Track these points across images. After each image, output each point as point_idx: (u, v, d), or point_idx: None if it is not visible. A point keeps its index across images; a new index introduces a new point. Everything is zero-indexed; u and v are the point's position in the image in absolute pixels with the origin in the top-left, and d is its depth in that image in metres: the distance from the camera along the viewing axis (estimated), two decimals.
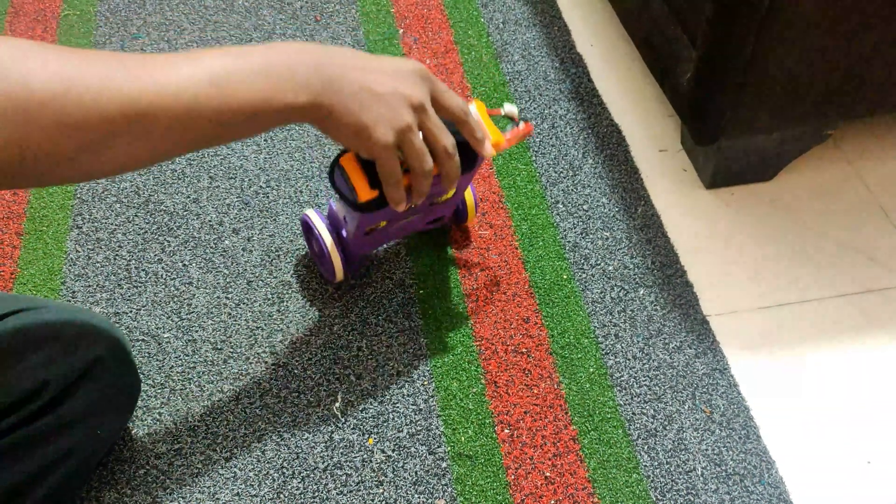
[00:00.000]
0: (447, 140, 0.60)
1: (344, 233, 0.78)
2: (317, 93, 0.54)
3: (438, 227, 0.87)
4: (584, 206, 0.91)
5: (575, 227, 0.89)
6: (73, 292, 0.82)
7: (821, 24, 0.76)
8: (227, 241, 0.87)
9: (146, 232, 0.87)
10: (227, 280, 0.83)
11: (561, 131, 0.99)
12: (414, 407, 0.75)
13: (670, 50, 0.90)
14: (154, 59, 0.49)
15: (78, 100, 0.44)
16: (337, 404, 0.75)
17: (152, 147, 0.49)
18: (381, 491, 0.70)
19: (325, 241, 0.78)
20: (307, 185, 0.92)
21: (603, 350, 0.79)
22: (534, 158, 0.96)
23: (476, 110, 0.68)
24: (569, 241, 0.88)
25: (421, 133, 0.59)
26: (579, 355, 0.78)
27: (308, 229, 0.81)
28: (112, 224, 0.88)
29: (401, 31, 1.11)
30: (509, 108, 0.70)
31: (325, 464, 0.71)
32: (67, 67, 0.45)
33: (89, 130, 0.45)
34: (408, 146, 0.59)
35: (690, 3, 0.85)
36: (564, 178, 0.94)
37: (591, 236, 0.88)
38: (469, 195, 0.83)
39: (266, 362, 0.77)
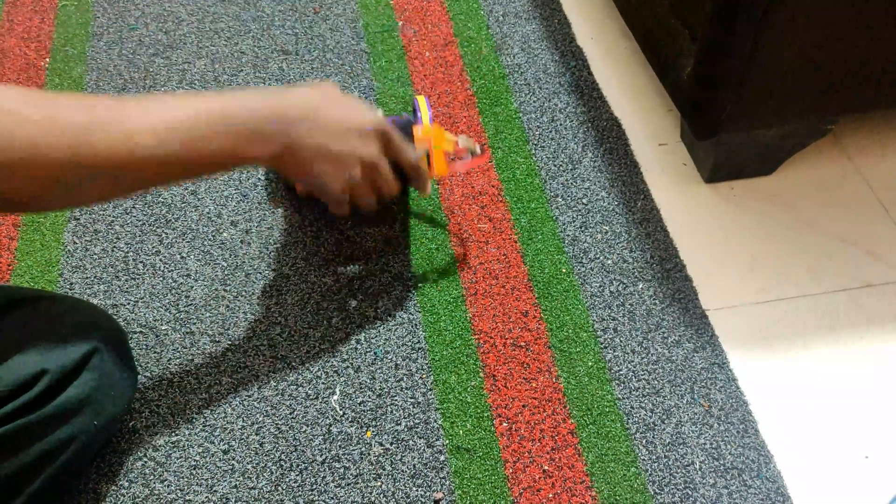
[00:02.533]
0: (392, 190, 0.70)
1: None
2: (277, 148, 0.61)
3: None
4: (584, 200, 0.91)
5: (574, 221, 0.89)
6: (71, 284, 0.82)
7: (820, 19, 0.76)
8: (225, 234, 0.86)
9: (144, 224, 0.87)
10: (226, 272, 0.83)
11: (560, 125, 0.99)
12: (412, 400, 0.75)
13: (671, 44, 0.90)
14: (126, 107, 0.54)
15: (57, 153, 0.51)
16: (335, 397, 0.75)
17: (123, 188, 0.57)
18: (380, 484, 0.70)
19: None
20: None
21: (601, 344, 0.79)
22: (533, 152, 0.96)
23: (433, 130, 0.76)
24: (568, 235, 0.88)
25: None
26: (578, 349, 0.78)
27: None
28: (110, 216, 0.87)
29: (400, 23, 1.11)
30: (464, 143, 0.77)
31: (324, 456, 0.71)
32: (48, 122, 0.50)
33: (65, 177, 0.52)
34: (355, 194, 0.69)
35: None
36: (564, 171, 0.94)
37: (590, 230, 0.88)
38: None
39: (264, 355, 0.77)
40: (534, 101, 1.01)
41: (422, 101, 0.87)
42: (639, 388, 0.76)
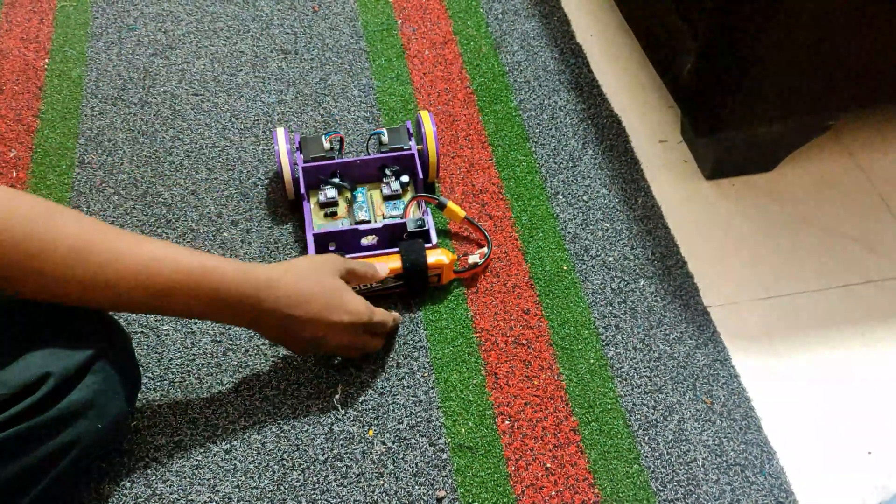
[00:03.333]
0: (376, 347, 0.75)
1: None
2: (246, 324, 0.67)
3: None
4: (584, 197, 0.91)
5: (575, 218, 0.89)
6: None
7: (821, 16, 0.76)
8: (225, 233, 0.86)
9: (144, 224, 0.87)
10: None
11: (560, 122, 0.99)
12: (414, 398, 0.74)
13: (671, 40, 0.90)
14: (120, 248, 0.60)
15: (50, 268, 0.57)
16: (337, 396, 0.75)
17: (99, 304, 0.62)
18: (382, 482, 0.69)
19: (280, 153, 0.84)
20: None
21: (603, 341, 0.79)
22: (533, 149, 0.95)
23: (447, 255, 0.80)
24: (569, 233, 0.87)
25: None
26: (580, 346, 0.78)
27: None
28: (110, 216, 0.87)
29: (399, 21, 1.11)
30: (474, 260, 0.83)
31: (326, 455, 0.71)
32: (50, 239, 0.57)
33: (50, 287, 0.58)
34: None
35: None
36: (564, 168, 0.94)
37: (591, 227, 0.88)
38: (433, 151, 0.87)
39: (265, 354, 0.77)
40: (534, 99, 1.01)
41: (425, 117, 0.87)
42: (641, 385, 0.76)
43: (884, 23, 0.78)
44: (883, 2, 0.76)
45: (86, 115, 0.98)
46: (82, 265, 0.58)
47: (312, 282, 0.68)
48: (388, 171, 0.87)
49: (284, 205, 0.89)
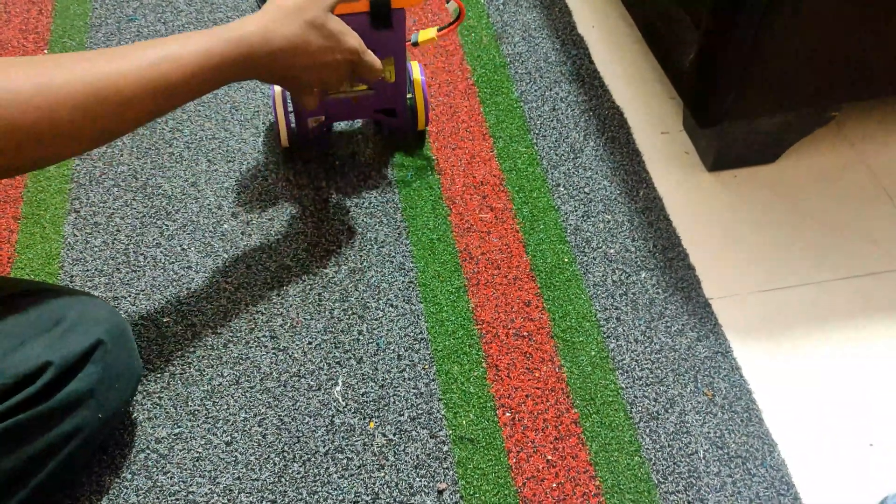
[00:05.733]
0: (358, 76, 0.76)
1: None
2: (249, 78, 0.68)
3: (396, 132, 0.94)
4: (586, 189, 0.91)
5: (576, 211, 0.88)
6: (72, 276, 0.81)
7: (824, 7, 0.75)
8: (226, 225, 0.86)
9: (144, 216, 0.87)
10: (227, 264, 0.83)
11: (562, 113, 0.98)
12: (415, 391, 0.74)
13: (673, 31, 0.90)
14: (121, 76, 0.58)
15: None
16: (338, 388, 0.75)
17: (115, 131, 0.60)
18: (383, 475, 0.69)
19: (276, 101, 0.88)
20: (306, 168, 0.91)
21: (604, 333, 0.79)
22: (535, 141, 0.95)
23: None
24: (570, 225, 0.87)
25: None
26: (581, 339, 0.78)
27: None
28: (110, 208, 0.87)
29: None
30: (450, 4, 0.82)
31: (326, 448, 0.71)
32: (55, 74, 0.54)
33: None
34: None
35: None
36: (565, 160, 0.93)
37: (592, 219, 0.88)
38: (420, 99, 0.89)
39: (266, 346, 0.77)
40: (535, 90, 1.01)
41: (415, 66, 0.90)
42: (642, 377, 0.76)
43: (886, 14, 0.77)
44: None
45: None
46: (88, 102, 0.55)
47: (304, 25, 0.68)
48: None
49: (285, 196, 0.89)
